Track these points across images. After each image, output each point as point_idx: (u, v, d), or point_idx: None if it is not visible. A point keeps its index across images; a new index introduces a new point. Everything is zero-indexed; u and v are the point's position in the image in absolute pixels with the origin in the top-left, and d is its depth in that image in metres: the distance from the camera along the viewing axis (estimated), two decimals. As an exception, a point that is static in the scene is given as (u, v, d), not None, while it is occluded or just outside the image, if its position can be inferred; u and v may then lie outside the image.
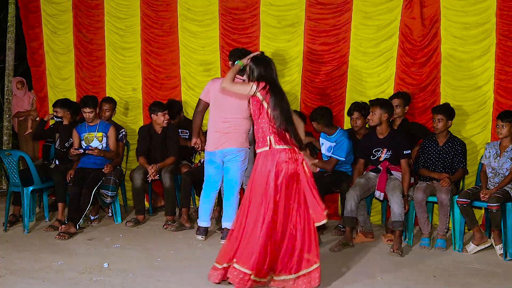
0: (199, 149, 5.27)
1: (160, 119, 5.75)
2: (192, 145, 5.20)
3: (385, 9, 5.67)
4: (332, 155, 5.32)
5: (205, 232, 5.17)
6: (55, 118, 6.15)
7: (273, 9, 6.06)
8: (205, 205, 5.13)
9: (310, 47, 5.97)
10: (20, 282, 3.98)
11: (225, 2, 6.21)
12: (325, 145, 5.44)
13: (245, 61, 4.11)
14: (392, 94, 5.54)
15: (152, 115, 5.81)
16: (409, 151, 4.96)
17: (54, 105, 6.19)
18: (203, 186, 5.17)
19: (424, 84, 5.61)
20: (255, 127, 4.00)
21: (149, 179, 5.71)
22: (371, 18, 5.74)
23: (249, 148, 5.03)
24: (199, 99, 5.07)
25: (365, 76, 5.83)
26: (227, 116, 4.85)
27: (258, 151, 3.94)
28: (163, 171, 5.69)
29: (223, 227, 5.03)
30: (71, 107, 6.08)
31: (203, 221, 5.15)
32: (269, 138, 3.86)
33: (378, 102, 5.02)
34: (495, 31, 5.31)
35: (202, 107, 5.05)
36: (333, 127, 5.43)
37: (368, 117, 5.06)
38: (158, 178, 5.76)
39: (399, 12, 5.63)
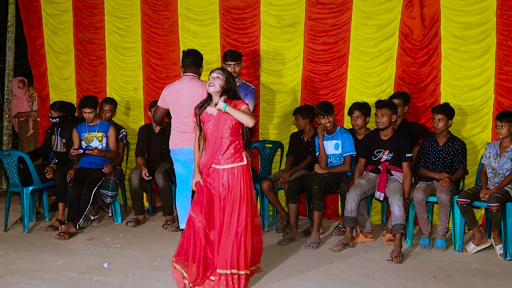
0: None
1: None
2: None
3: (385, 9, 5.67)
4: (345, 154, 5.33)
5: None
6: (51, 120, 6.17)
7: (273, 9, 6.06)
8: (182, 207, 4.89)
9: (310, 47, 5.97)
10: (20, 282, 3.99)
11: (226, 1, 6.21)
12: (328, 145, 5.41)
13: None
14: (392, 94, 5.55)
15: (149, 112, 6.00)
16: (411, 155, 4.96)
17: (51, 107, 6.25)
18: (176, 188, 4.97)
19: (424, 84, 5.61)
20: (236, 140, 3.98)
21: (146, 178, 5.75)
22: (371, 18, 5.73)
23: None
24: (157, 106, 5.04)
25: (365, 76, 5.82)
26: (182, 116, 4.82)
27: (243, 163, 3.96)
28: (156, 172, 5.68)
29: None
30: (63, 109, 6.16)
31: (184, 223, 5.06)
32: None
33: (387, 104, 4.99)
34: (495, 31, 5.30)
35: (161, 113, 5.02)
36: (334, 124, 5.46)
37: (378, 120, 4.99)
38: (151, 178, 5.79)
39: (399, 12, 5.62)
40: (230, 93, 3.95)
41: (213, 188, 3.91)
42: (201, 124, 4.00)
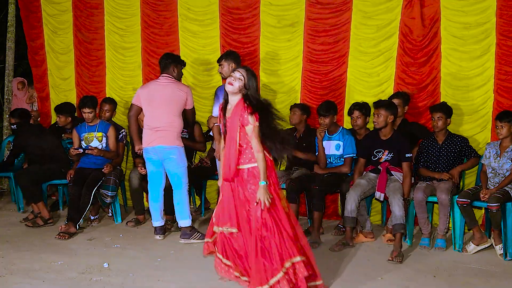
0: (141, 154, 5.30)
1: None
2: (136, 151, 5.31)
3: (385, 9, 5.67)
4: (346, 155, 5.34)
5: (162, 231, 5.22)
6: (12, 126, 6.33)
7: (273, 9, 6.07)
8: (154, 203, 5.18)
9: (310, 47, 5.97)
10: (20, 282, 3.99)
11: (225, 1, 6.22)
12: (329, 146, 5.41)
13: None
14: (392, 94, 5.55)
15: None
16: (411, 155, 4.97)
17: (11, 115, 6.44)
18: (148, 186, 5.23)
19: (424, 84, 5.61)
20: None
21: (141, 172, 5.73)
22: (370, 18, 5.73)
23: (182, 147, 5.10)
24: (131, 103, 5.17)
25: (365, 76, 5.83)
26: (157, 114, 4.99)
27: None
28: None
29: (179, 226, 5.09)
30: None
31: (157, 221, 5.20)
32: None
33: (383, 104, 5.00)
34: (495, 31, 5.31)
35: (134, 111, 5.14)
36: (336, 124, 5.46)
37: (374, 120, 5.00)
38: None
39: (399, 12, 5.62)
40: (248, 98, 3.65)
41: (237, 190, 3.71)
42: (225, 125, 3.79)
